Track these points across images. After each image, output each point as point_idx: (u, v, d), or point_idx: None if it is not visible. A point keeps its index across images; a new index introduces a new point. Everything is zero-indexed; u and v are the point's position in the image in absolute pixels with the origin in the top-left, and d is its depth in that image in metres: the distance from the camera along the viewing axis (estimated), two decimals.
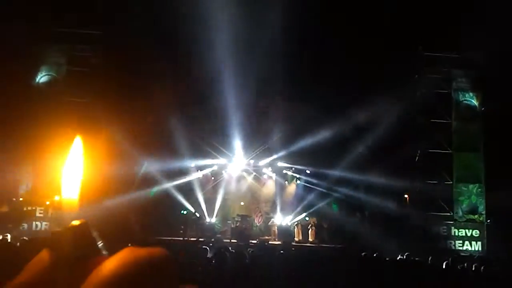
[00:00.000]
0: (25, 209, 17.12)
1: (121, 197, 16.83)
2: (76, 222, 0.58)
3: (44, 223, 17.10)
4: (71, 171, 0.66)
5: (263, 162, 20.99)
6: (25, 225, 16.85)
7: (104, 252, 0.56)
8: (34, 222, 17.10)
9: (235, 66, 17.53)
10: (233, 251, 8.64)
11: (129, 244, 0.62)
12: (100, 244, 0.58)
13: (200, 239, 17.71)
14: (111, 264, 0.50)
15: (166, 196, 19.69)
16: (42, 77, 18.47)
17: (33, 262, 0.55)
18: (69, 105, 17.92)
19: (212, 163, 21.01)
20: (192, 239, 17.49)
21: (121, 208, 16.09)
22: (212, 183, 21.32)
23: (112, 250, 0.54)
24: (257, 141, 20.60)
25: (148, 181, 19.48)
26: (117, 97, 18.27)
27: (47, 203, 17.29)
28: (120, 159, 16.90)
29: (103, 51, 18.76)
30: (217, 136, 20.34)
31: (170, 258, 0.53)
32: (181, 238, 17.54)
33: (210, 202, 20.64)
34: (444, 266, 8.82)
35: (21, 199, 17.35)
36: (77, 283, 0.50)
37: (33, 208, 17.22)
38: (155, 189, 19.68)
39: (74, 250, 0.55)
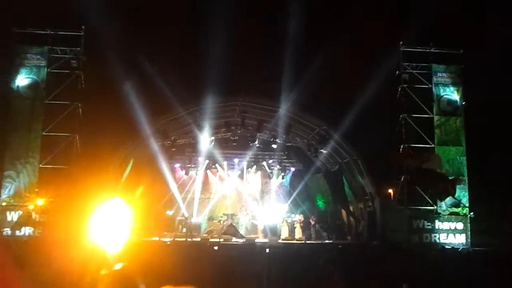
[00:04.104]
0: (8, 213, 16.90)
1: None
2: (118, 266, 0.72)
3: (27, 228, 16.82)
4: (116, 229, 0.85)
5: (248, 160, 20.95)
6: (8, 230, 16.54)
7: None
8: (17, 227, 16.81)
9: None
10: None
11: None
12: (140, 284, 0.70)
13: (188, 239, 17.71)
14: None
15: (152, 196, 19.65)
16: (22, 80, 18.19)
17: None
18: (50, 108, 17.74)
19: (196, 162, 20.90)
20: (178, 239, 17.47)
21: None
22: (197, 182, 21.14)
23: None
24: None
25: (133, 180, 19.38)
26: (100, 99, 18.15)
27: (31, 207, 17.06)
28: None
29: (84, 53, 18.54)
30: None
31: None
32: (170, 239, 17.47)
33: (193, 201, 20.55)
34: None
35: (4, 203, 17.10)
36: None
37: (16, 212, 16.97)
38: (140, 189, 19.60)
39: None
